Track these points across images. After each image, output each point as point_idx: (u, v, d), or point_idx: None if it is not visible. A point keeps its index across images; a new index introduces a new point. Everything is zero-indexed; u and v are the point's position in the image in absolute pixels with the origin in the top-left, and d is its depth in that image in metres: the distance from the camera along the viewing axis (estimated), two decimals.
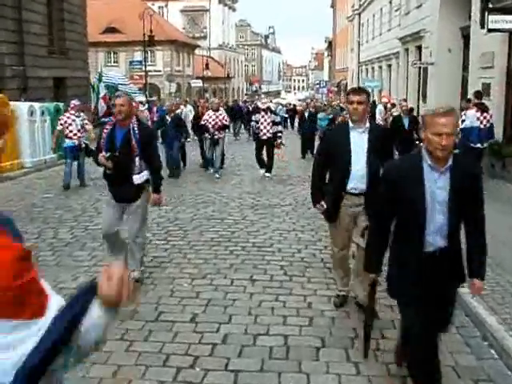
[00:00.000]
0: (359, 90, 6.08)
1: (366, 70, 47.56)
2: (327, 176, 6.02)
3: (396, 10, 32.05)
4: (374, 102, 31.74)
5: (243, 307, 6.17)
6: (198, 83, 63.58)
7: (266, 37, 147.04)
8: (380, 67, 40.93)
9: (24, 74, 27.97)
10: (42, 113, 19.02)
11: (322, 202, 5.89)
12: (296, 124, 32.82)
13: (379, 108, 22.64)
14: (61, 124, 14.70)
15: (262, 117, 16.42)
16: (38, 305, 1.69)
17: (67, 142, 14.68)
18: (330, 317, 5.90)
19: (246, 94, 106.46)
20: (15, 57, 27.50)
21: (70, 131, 14.46)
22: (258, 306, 6.22)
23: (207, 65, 65.78)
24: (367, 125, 5.71)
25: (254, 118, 17.37)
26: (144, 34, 38.38)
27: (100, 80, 30.87)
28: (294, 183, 15.31)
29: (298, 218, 10.80)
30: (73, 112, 14.72)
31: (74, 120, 14.52)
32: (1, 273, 1.58)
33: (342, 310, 6.05)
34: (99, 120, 23.16)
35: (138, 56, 65.61)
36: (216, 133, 16.23)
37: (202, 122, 16.47)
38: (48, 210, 11.39)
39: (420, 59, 25.54)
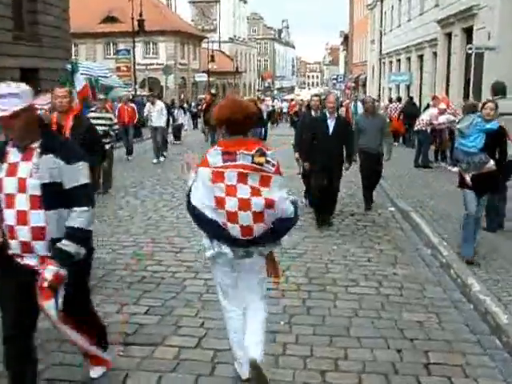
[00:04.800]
0: None
1: (390, 62, 41.85)
2: None
3: None
4: (411, 98, 26.12)
5: None
6: (203, 77, 58.21)
7: (280, 31, 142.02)
8: (408, 58, 35.15)
9: None
10: None
11: None
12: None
13: (430, 112, 17.06)
14: None
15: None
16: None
17: None
18: None
19: (258, 90, 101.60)
20: None
21: None
22: None
23: (212, 57, 60.25)
24: None
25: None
26: (132, 19, 32.84)
27: (74, 71, 25.50)
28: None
29: None
30: None
31: None
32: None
33: None
34: None
35: (140, 47, 60.49)
36: None
37: None
38: None
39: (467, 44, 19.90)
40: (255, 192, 3.93)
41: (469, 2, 19.75)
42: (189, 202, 4.21)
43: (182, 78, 64.18)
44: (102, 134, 12.03)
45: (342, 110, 22.66)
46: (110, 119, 12.48)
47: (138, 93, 33.66)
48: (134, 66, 34.71)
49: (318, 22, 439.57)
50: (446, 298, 6.48)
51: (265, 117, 25.76)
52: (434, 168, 16.92)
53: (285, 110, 44.19)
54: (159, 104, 18.87)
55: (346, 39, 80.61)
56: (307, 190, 11.30)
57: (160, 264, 7.52)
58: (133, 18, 33.17)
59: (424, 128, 16.96)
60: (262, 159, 3.97)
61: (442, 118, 16.75)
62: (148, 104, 19.66)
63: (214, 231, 4.11)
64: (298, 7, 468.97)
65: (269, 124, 32.17)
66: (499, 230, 9.11)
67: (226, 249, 4.12)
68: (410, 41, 33.01)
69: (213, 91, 39.39)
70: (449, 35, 23.55)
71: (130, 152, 19.29)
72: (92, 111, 12.67)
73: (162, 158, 18.60)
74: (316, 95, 12.56)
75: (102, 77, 26.79)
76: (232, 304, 4.49)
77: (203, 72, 61.47)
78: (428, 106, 20.88)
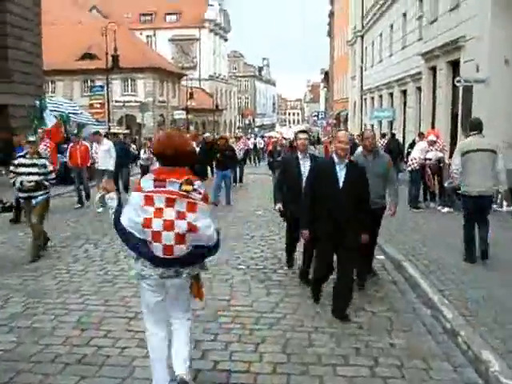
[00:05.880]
0: None
1: (372, 98, 41.17)
2: None
3: (418, 19, 25.46)
4: (393, 134, 25.34)
5: None
6: (182, 115, 57.22)
7: (260, 69, 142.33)
8: (391, 94, 34.42)
9: None
10: None
11: None
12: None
13: (421, 147, 15.91)
14: None
15: None
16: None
17: None
18: None
19: (238, 128, 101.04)
20: None
21: None
22: None
23: (191, 94, 59.37)
24: None
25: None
26: (107, 54, 31.82)
27: (43, 108, 24.31)
28: None
29: None
30: None
31: None
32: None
33: None
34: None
35: (118, 84, 59.61)
36: None
37: None
38: None
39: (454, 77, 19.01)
40: (181, 216, 4.31)
41: (454, 35, 18.89)
42: (117, 223, 4.53)
43: (161, 116, 63.26)
44: (33, 184, 10.17)
45: (318, 148, 21.59)
46: (44, 166, 10.39)
47: (115, 131, 32.53)
48: (109, 102, 33.60)
49: (298, 59, 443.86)
50: (458, 380, 5.23)
51: (240, 156, 23.87)
52: (424, 209, 15.82)
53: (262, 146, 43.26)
54: (106, 143, 16.79)
55: (327, 76, 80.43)
56: (290, 248, 9.26)
57: (107, 336, 6.20)
58: (107, 54, 32.15)
59: (418, 167, 15.83)
60: (189, 187, 4.35)
61: (430, 155, 15.74)
62: (94, 144, 17.31)
63: (143, 251, 4.44)
64: (279, 45, 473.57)
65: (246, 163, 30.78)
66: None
67: (148, 270, 4.48)
68: (393, 76, 32.29)
69: (191, 128, 38.54)
70: (433, 69, 22.68)
71: (87, 197, 16.74)
72: (21, 156, 10.60)
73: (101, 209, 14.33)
74: (302, 131, 9.52)
75: (73, 113, 25.72)
76: (156, 326, 4.82)
77: (182, 109, 60.55)
78: (414, 143, 19.90)
